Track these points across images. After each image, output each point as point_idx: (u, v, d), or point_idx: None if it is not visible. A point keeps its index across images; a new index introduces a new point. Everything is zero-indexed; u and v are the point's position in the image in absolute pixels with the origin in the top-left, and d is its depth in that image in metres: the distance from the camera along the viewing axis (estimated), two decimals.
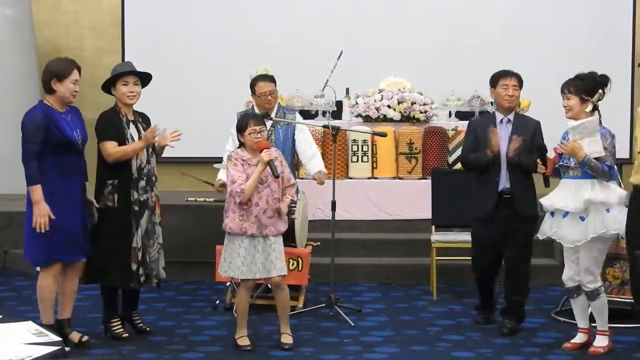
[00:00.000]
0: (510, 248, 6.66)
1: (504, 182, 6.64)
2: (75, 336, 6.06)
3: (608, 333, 6.13)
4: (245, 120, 6.14)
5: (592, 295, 6.04)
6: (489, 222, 6.67)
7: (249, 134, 6.06)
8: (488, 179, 6.67)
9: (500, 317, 6.80)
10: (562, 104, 6.13)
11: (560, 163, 6.10)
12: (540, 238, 6.29)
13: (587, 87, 6.04)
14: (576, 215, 5.96)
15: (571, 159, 6.00)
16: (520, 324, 6.73)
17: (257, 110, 7.24)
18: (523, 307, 6.76)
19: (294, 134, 7.32)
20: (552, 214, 6.16)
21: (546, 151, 6.26)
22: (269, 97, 7.18)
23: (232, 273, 6.13)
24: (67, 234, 5.90)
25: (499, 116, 6.76)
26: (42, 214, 5.77)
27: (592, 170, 5.93)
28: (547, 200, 6.16)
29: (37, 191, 5.78)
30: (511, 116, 6.75)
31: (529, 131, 6.64)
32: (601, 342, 6.11)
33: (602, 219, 5.94)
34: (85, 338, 6.06)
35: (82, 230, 6.02)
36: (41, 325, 5.85)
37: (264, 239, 6.07)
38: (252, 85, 7.30)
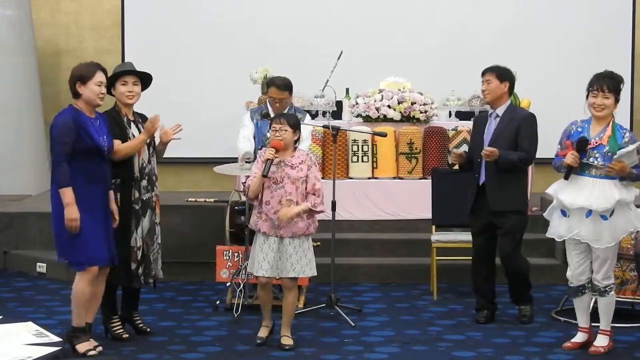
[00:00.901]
0: (498, 241, 6.87)
1: (483, 177, 6.85)
2: (91, 343, 6.01)
3: (609, 333, 6.13)
4: (272, 120, 6.30)
5: (604, 292, 6.05)
6: (474, 215, 6.94)
7: (270, 131, 6.22)
8: (473, 174, 6.94)
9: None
10: (596, 102, 6.00)
11: (583, 160, 6.02)
12: (558, 240, 6.26)
13: (617, 85, 6.06)
14: (598, 215, 5.95)
15: (598, 158, 5.97)
16: (532, 304, 6.94)
17: (270, 109, 7.25)
18: (526, 287, 6.92)
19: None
20: (564, 213, 6.12)
21: (587, 143, 6.00)
22: (277, 104, 7.19)
23: (252, 269, 6.22)
24: (96, 240, 5.88)
25: (490, 110, 7.01)
26: (73, 217, 5.78)
27: (632, 180, 5.96)
28: (568, 199, 6.04)
29: (68, 194, 5.78)
30: (500, 110, 6.88)
31: (512, 126, 6.77)
32: (602, 341, 6.11)
33: (628, 217, 5.98)
34: (99, 349, 5.98)
35: (107, 236, 5.99)
36: (73, 328, 5.87)
37: (279, 239, 6.10)
38: (267, 84, 7.33)
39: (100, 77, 5.94)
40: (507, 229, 6.74)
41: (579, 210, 6.01)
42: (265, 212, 6.09)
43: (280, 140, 6.09)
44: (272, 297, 6.33)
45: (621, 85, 6.09)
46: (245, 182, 6.38)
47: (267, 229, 6.10)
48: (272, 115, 7.22)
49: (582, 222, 6.01)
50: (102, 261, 5.95)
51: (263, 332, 6.30)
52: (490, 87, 6.86)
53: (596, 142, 5.99)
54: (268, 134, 6.96)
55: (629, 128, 10.55)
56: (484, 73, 6.95)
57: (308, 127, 7.34)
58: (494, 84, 6.84)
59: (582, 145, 6.01)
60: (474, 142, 7.02)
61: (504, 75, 6.88)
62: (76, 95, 5.94)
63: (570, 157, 6.01)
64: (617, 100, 6.06)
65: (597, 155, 5.99)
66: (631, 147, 5.92)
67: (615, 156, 5.92)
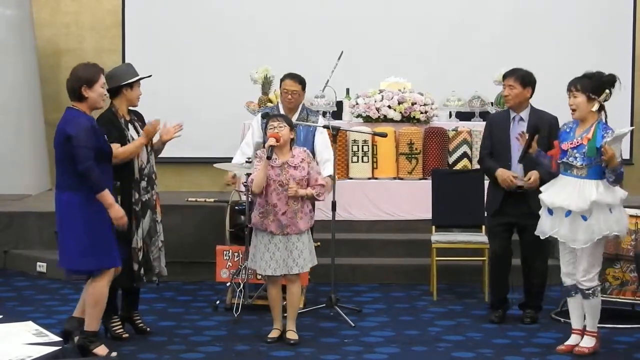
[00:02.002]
0: (525, 242, 6.86)
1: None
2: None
3: (596, 334, 6.10)
4: (268, 120, 6.42)
5: (587, 294, 6.03)
6: (500, 215, 6.86)
7: (269, 129, 6.29)
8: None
9: (516, 312, 6.99)
10: (569, 102, 6.08)
11: (564, 160, 6.04)
12: (542, 238, 6.27)
13: (594, 85, 6.01)
14: (578, 214, 5.94)
15: (577, 158, 5.97)
16: (539, 312, 6.92)
17: (281, 109, 7.27)
18: (542, 296, 6.93)
19: (314, 135, 7.32)
20: (550, 212, 6.12)
21: (538, 131, 6.26)
22: (289, 95, 7.21)
23: (256, 267, 6.33)
24: (114, 240, 5.87)
25: (512, 114, 6.90)
26: (121, 215, 5.77)
27: (616, 177, 5.91)
28: (548, 198, 6.08)
29: (107, 195, 5.73)
30: (524, 113, 6.84)
31: (543, 129, 6.59)
32: (588, 342, 6.08)
33: (606, 219, 5.93)
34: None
35: (115, 237, 5.99)
36: (87, 333, 5.82)
37: (285, 237, 6.22)
38: (280, 80, 7.37)
39: (103, 78, 5.91)
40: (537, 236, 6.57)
41: (559, 209, 6.03)
42: (273, 214, 6.19)
43: (278, 133, 6.19)
44: (282, 296, 6.39)
45: (601, 85, 6.02)
46: (246, 182, 6.42)
47: (274, 229, 6.21)
48: (294, 116, 7.24)
49: (562, 221, 6.02)
50: (120, 260, 5.96)
51: (274, 333, 6.37)
52: (513, 93, 6.80)
53: (577, 142, 6.00)
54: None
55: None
56: (505, 77, 6.88)
57: (323, 132, 7.33)
58: (517, 90, 6.79)
59: (535, 130, 6.28)
60: (498, 142, 6.86)
61: (527, 80, 6.82)
62: (81, 98, 5.81)
63: (522, 138, 6.28)
64: (590, 99, 6.00)
65: (576, 155, 5.99)
66: (625, 130, 5.92)
67: (605, 140, 5.88)
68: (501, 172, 6.78)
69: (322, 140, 7.32)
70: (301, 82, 7.28)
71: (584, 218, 5.93)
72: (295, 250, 6.23)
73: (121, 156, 6.19)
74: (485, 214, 7.25)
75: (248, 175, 6.65)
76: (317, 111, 7.86)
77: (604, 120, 6.05)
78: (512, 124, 6.84)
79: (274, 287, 6.37)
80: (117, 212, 5.76)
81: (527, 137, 6.26)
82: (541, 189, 6.23)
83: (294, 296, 6.35)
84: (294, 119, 7.18)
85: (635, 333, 6.62)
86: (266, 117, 7.02)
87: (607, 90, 6.04)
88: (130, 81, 6.33)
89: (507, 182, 6.75)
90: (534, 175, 6.58)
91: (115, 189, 6.19)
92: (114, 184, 6.17)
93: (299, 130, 7.24)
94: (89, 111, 5.89)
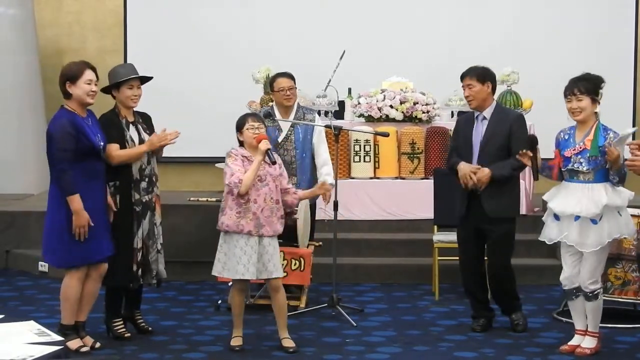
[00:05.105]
0: (489, 252, 6.63)
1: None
2: (88, 341, 6.04)
3: (598, 335, 6.11)
4: (244, 118, 6.15)
5: (591, 296, 6.03)
6: (464, 222, 6.65)
7: (247, 129, 6.06)
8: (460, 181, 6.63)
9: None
10: (572, 106, 6.01)
11: (569, 167, 6.04)
12: (548, 243, 6.23)
13: (595, 87, 6.01)
14: (587, 218, 5.94)
15: (583, 164, 5.97)
16: (524, 318, 6.70)
17: (276, 110, 7.27)
18: (517, 302, 6.70)
19: (312, 134, 7.32)
20: (557, 217, 6.11)
21: (536, 142, 6.14)
22: (287, 92, 7.22)
23: (227, 274, 6.10)
24: (94, 237, 5.90)
25: (476, 113, 6.67)
26: (83, 224, 5.80)
27: (620, 177, 5.90)
28: (558, 206, 6.05)
29: (77, 200, 5.79)
30: (487, 112, 6.59)
31: (503, 128, 6.50)
32: (589, 343, 6.08)
33: (617, 222, 5.95)
34: (98, 344, 6.05)
35: (106, 233, 6.03)
36: (62, 326, 5.90)
37: (259, 239, 6.03)
38: (271, 82, 7.38)
39: (89, 75, 5.94)
40: (497, 241, 6.50)
41: (569, 214, 6.02)
42: (253, 211, 6.00)
43: (263, 134, 6.05)
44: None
45: (601, 85, 6.02)
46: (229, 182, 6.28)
47: (251, 228, 6.01)
48: (276, 114, 7.25)
49: (571, 225, 6.01)
50: (98, 258, 5.98)
51: (238, 341, 6.16)
52: (473, 92, 6.55)
53: (580, 148, 5.98)
54: (279, 139, 7.12)
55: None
56: (463, 77, 6.62)
57: (321, 131, 7.36)
58: (476, 87, 6.54)
59: (532, 143, 6.13)
60: (461, 144, 6.67)
61: (484, 76, 6.59)
62: (67, 95, 5.94)
63: (524, 157, 6.11)
64: (594, 101, 6.00)
65: (581, 160, 5.98)
66: (630, 130, 5.91)
67: (608, 141, 5.88)
68: (462, 166, 6.54)
69: (320, 140, 7.33)
70: (293, 78, 7.32)
71: (594, 222, 5.93)
72: (266, 255, 6.03)
73: (120, 158, 6.18)
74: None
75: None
76: (313, 110, 7.85)
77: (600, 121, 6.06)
78: (475, 124, 6.61)
79: (236, 291, 6.15)
80: (80, 220, 5.80)
81: (529, 154, 6.11)
82: (546, 197, 6.18)
83: (282, 304, 6.14)
84: (291, 117, 7.20)
85: (637, 333, 6.62)
86: (268, 116, 7.03)
87: (600, 91, 6.05)
88: (109, 85, 6.33)
89: (466, 177, 6.48)
90: (485, 174, 6.41)
91: (115, 188, 6.21)
92: (112, 183, 6.19)
93: (297, 130, 7.25)
94: (79, 108, 5.95)
